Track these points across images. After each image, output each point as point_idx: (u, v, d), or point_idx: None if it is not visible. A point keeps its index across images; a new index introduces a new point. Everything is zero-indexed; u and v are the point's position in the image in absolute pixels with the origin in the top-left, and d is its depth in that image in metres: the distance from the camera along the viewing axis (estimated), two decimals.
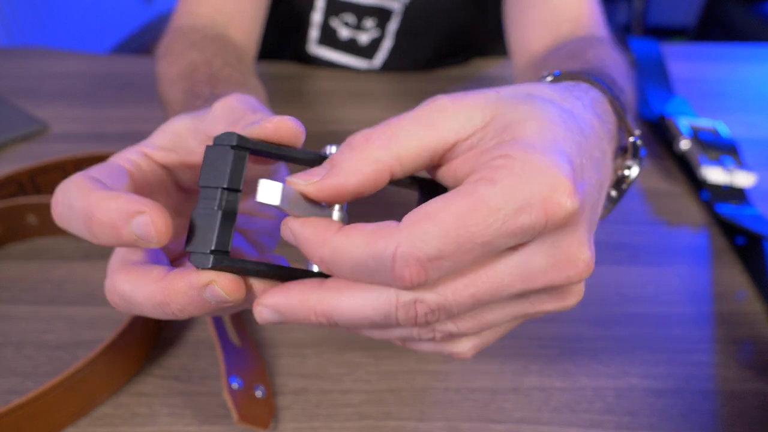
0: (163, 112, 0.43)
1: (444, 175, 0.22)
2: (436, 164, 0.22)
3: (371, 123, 0.62)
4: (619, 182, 0.29)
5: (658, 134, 0.61)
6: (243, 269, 0.21)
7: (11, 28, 1.41)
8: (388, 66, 0.73)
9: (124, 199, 0.20)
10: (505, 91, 0.22)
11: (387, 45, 0.72)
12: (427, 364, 0.37)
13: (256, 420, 0.32)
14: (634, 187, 0.53)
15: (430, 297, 0.19)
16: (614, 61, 0.39)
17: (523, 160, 0.18)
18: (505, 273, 0.19)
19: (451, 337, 0.22)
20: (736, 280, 0.44)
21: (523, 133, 0.20)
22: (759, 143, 0.60)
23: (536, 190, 0.18)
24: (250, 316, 0.40)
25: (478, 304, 0.20)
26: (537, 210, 0.18)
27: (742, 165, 0.52)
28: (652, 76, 0.67)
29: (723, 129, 0.56)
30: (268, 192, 0.20)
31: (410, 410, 0.34)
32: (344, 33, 0.72)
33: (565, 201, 0.18)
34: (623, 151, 0.28)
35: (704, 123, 0.58)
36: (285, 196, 0.20)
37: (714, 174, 0.51)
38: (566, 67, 0.34)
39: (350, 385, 0.36)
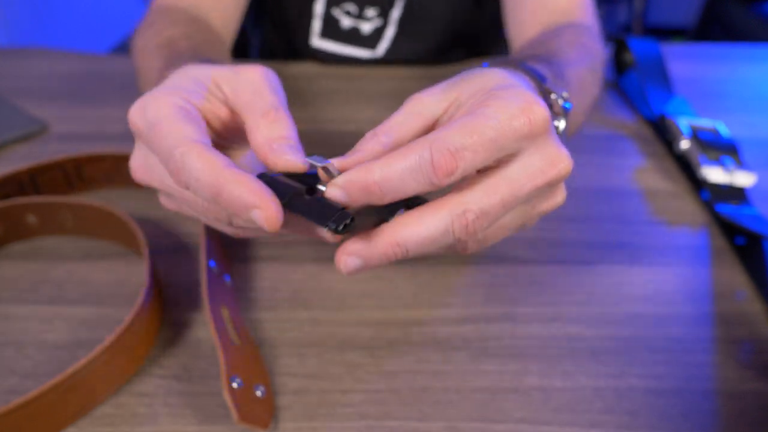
0: (138, 82, 0.44)
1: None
2: None
3: (370, 123, 0.62)
4: None
5: (658, 134, 0.61)
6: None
7: (11, 28, 1.41)
8: (391, 55, 0.74)
9: (248, 191, 0.24)
10: (461, 75, 0.29)
11: (390, 33, 0.73)
12: (427, 364, 0.37)
13: (256, 420, 0.32)
14: (634, 187, 0.54)
15: (474, 206, 0.25)
16: (578, 48, 0.45)
17: (502, 92, 0.25)
18: (516, 177, 0.25)
19: (478, 242, 0.28)
20: (736, 280, 0.44)
21: (493, 83, 0.27)
22: (759, 143, 0.60)
23: (517, 104, 0.25)
24: (249, 315, 0.40)
25: (505, 209, 0.26)
26: (522, 116, 0.24)
27: (742, 165, 0.52)
28: (652, 76, 0.67)
29: (723, 129, 0.56)
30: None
31: (410, 410, 0.34)
32: (346, 22, 0.72)
33: (538, 109, 0.25)
34: (549, 108, 0.32)
35: (704, 123, 0.58)
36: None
37: (714, 174, 0.51)
38: (529, 53, 0.41)
39: (350, 385, 0.36)
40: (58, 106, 0.64)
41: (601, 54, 0.49)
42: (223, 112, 0.30)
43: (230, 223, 0.29)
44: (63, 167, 0.48)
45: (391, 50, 0.73)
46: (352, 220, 0.25)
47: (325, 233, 0.26)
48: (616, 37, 0.74)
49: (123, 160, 0.49)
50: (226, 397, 0.31)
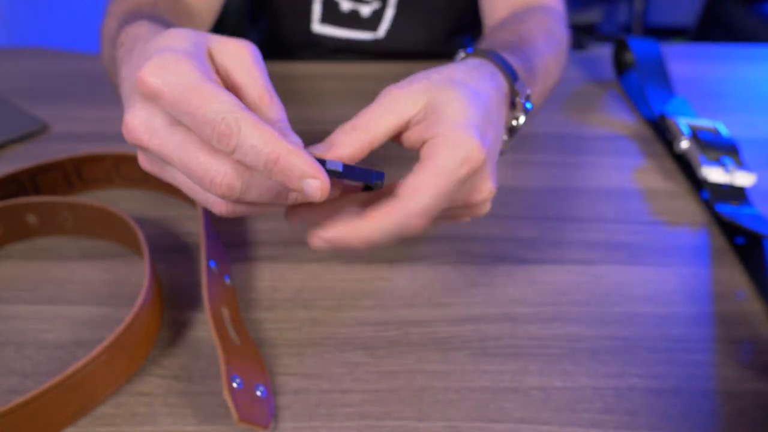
0: (102, 47, 0.44)
1: (403, 140, 0.33)
2: (396, 135, 0.33)
3: None
4: (512, 129, 0.40)
5: (658, 134, 0.61)
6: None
7: (11, 28, 1.41)
8: (393, 36, 0.74)
9: (305, 162, 0.26)
10: (434, 77, 0.33)
11: (389, 14, 0.73)
12: (427, 364, 0.37)
13: (256, 420, 0.32)
14: (634, 187, 0.54)
15: (418, 220, 0.30)
16: (545, 34, 0.49)
17: (447, 134, 0.30)
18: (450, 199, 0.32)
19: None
20: (736, 279, 0.44)
21: (451, 114, 0.31)
22: (759, 143, 0.60)
23: (464, 153, 0.30)
24: (249, 315, 0.40)
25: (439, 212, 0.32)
26: (467, 164, 0.30)
27: (742, 165, 0.52)
28: (652, 76, 0.67)
29: (723, 129, 0.56)
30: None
31: (410, 410, 0.34)
32: (345, 6, 0.72)
33: (479, 156, 0.30)
34: (513, 106, 0.38)
35: (704, 123, 0.58)
36: None
37: (714, 174, 0.51)
38: (500, 35, 0.45)
39: (350, 385, 0.36)
40: (58, 106, 0.64)
41: (566, 38, 0.54)
42: (218, 79, 0.30)
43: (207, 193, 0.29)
44: (63, 167, 0.48)
45: (391, 31, 0.74)
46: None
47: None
48: (616, 37, 0.74)
49: (123, 160, 0.49)
50: (227, 397, 0.31)
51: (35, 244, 0.46)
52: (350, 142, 0.30)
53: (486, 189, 0.33)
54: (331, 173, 0.28)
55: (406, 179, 0.30)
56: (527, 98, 0.39)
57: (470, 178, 0.31)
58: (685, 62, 0.76)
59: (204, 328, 0.39)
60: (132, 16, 0.39)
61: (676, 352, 0.38)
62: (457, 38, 0.77)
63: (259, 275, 0.43)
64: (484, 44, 0.43)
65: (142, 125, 0.27)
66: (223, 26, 0.89)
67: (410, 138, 0.33)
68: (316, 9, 0.74)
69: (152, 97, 0.26)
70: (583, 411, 0.35)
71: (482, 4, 0.65)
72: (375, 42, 0.75)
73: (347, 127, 0.31)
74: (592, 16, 2.70)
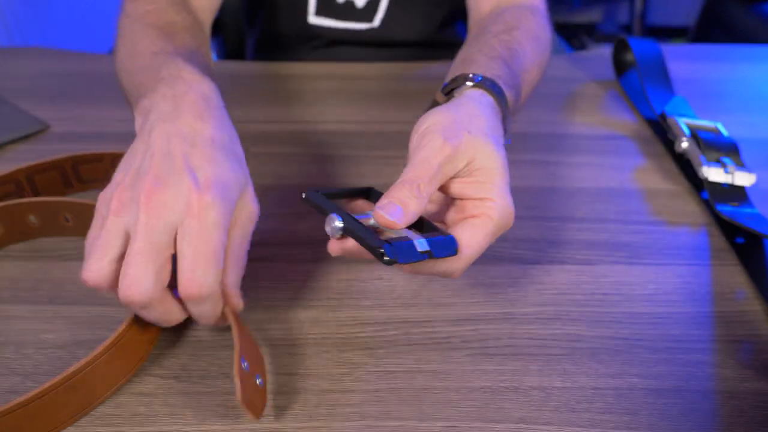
0: (123, 52, 0.45)
1: (445, 189, 0.36)
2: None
3: (368, 122, 0.62)
4: None
5: (659, 134, 0.61)
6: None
7: (11, 28, 1.41)
8: (388, 25, 0.74)
9: (231, 307, 0.34)
10: (473, 129, 0.35)
11: (384, 4, 0.73)
12: (427, 364, 0.37)
13: (253, 407, 0.32)
14: (634, 187, 0.54)
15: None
16: (532, 41, 0.51)
17: (499, 203, 0.34)
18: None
19: None
20: (736, 279, 0.44)
21: (497, 180, 0.35)
22: (759, 143, 0.60)
23: (506, 220, 0.35)
24: (249, 315, 0.40)
25: None
26: (506, 228, 0.35)
27: (742, 165, 0.52)
28: (652, 76, 0.67)
29: (723, 129, 0.56)
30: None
31: (410, 410, 0.34)
32: None
33: (512, 220, 0.36)
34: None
35: (704, 123, 0.58)
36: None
37: (714, 174, 0.51)
38: (494, 46, 0.47)
39: (350, 385, 0.36)
40: (58, 106, 0.64)
41: (550, 41, 0.56)
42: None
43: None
44: (61, 167, 0.48)
45: (386, 21, 0.74)
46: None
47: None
48: (616, 37, 0.74)
49: (120, 159, 0.49)
50: (236, 375, 0.31)
51: (35, 244, 0.46)
52: (416, 207, 0.32)
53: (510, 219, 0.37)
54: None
55: (460, 231, 0.34)
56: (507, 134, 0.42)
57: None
58: (685, 62, 0.76)
59: (204, 327, 0.39)
60: (168, 51, 0.42)
61: (676, 352, 0.38)
62: (452, 26, 0.77)
63: (259, 275, 0.43)
64: (480, 63, 0.43)
65: (169, 201, 0.31)
66: (222, 27, 0.89)
67: (452, 189, 0.36)
68: (311, 1, 0.74)
69: (190, 211, 0.31)
70: (583, 411, 0.35)
71: None
72: (370, 31, 0.75)
73: (414, 190, 0.33)
74: (592, 16, 2.70)
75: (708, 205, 0.51)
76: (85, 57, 0.75)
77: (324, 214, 0.33)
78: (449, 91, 0.41)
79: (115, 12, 0.56)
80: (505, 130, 0.41)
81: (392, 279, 0.43)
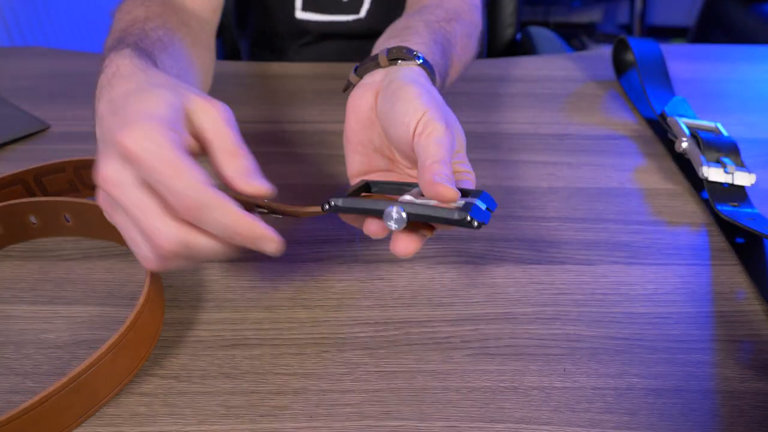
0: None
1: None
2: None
3: None
4: None
5: (659, 134, 0.61)
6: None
7: (11, 28, 1.41)
8: (374, 15, 0.75)
9: (261, 228, 0.30)
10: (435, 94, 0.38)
11: None
12: (427, 364, 0.37)
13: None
14: (634, 187, 0.54)
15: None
16: (465, 39, 0.53)
17: (429, 113, 0.35)
18: None
19: None
20: (736, 279, 0.44)
21: (433, 125, 0.35)
22: (759, 143, 0.60)
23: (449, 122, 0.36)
24: (249, 315, 0.40)
25: None
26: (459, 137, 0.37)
27: (742, 165, 0.52)
28: (652, 76, 0.67)
29: (723, 129, 0.56)
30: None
31: (410, 410, 0.34)
32: None
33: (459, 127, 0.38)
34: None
35: (704, 123, 0.58)
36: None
37: (714, 174, 0.51)
38: (436, 30, 0.47)
39: (350, 385, 0.36)
40: (58, 106, 0.64)
41: (479, 40, 0.58)
42: (191, 142, 0.33)
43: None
44: (65, 170, 0.48)
45: (372, 11, 0.75)
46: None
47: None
48: (616, 37, 0.74)
49: None
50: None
51: (35, 244, 0.46)
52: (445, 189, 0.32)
53: None
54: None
55: (422, 148, 0.34)
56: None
57: None
58: (685, 62, 0.76)
59: (205, 327, 0.39)
60: (119, 40, 0.42)
61: (676, 352, 0.38)
62: None
63: (259, 275, 0.43)
64: (424, 40, 0.44)
65: (113, 177, 0.30)
66: (220, 29, 0.89)
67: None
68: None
69: (129, 160, 0.29)
70: (583, 411, 0.35)
71: None
72: (357, 22, 0.76)
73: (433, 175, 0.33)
74: (592, 16, 2.70)
75: (708, 205, 0.51)
76: (85, 57, 0.75)
77: (370, 213, 0.33)
78: (394, 57, 0.41)
79: None
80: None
81: (392, 279, 0.43)
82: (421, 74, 0.39)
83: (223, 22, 0.88)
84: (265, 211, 0.35)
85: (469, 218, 0.31)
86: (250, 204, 0.34)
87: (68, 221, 0.45)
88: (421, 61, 0.40)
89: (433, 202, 0.32)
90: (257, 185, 0.32)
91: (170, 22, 0.47)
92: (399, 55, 0.40)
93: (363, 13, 0.76)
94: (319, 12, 0.77)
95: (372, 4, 0.75)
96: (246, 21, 0.87)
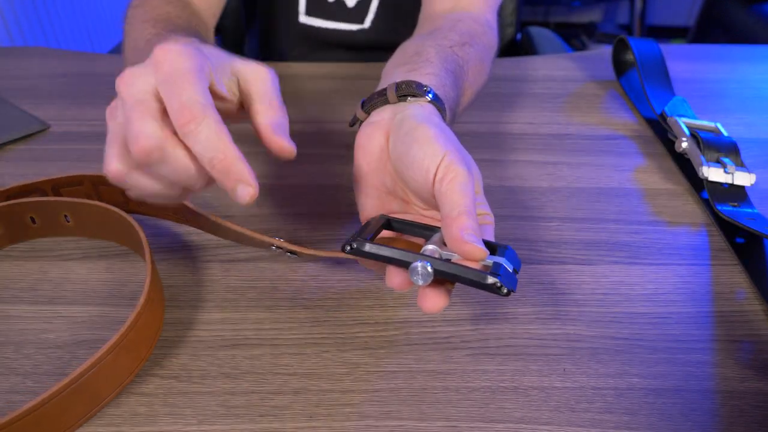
0: (124, 52, 0.46)
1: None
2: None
3: None
4: None
5: (659, 134, 0.61)
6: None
7: (11, 28, 1.41)
8: (378, 26, 0.75)
9: (245, 170, 0.29)
10: (453, 139, 0.35)
11: (374, 5, 0.73)
12: (427, 364, 0.37)
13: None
14: (634, 187, 0.54)
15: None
16: (479, 63, 0.50)
17: (450, 157, 0.33)
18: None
19: None
20: (736, 279, 0.44)
21: (428, 136, 0.34)
22: (759, 143, 0.60)
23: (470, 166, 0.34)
24: (249, 315, 0.40)
25: None
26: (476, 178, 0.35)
27: (742, 165, 0.52)
28: (652, 76, 0.67)
29: (723, 129, 0.56)
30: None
31: (410, 410, 0.34)
32: None
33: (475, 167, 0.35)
34: None
35: (704, 123, 0.58)
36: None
37: (714, 174, 0.51)
38: (447, 58, 0.45)
39: (350, 385, 0.36)
40: (58, 106, 0.64)
41: (491, 63, 0.55)
42: (230, 105, 0.34)
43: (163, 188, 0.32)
44: (83, 184, 0.48)
45: (376, 22, 0.74)
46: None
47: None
48: (616, 37, 0.74)
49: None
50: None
51: (35, 244, 0.46)
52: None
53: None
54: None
55: (444, 195, 0.32)
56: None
57: None
58: (685, 62, 0.76)
59: (204, 327, 0.39)
60: (166, 29, 0.44)
61: (676, 352, 0.38)
62: None
63: (259, 275, 0.43)
64: (435, 70, 0.43)
65: (130, 77, 0.31)
66: (221, 28, 0.90)
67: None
68: (301, 2, 0.75)
69: (153, 64, 0.30)
70: (583, 411, 0.35)
71: None
72: (361, 33, 0.76)
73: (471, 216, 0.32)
74: (592, 16, 2.70)
75: (708, 205, 0.51)
76: (85, 57, 0.75)
77: (394, 263, 0.32)
78: (403, 94, 0.39)
79: (116, 12, 0.56)
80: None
81: None
82: (432, 112, 0.38)
83: (223, 23, 0.88)
84: (283, 249, 0.35)
85: (499, 284, 0.29)
86: (266, 243, 0.35)
87: (68, 221, 0.45)
88: (431, 97, 0.39)
89: (458, 257, 0.32)
90: (282, 142, 0.33)
91: (199, 25, 0.49)
92: (408, 91, 0.39)
93: (367, 23, 0.75)
94: (323, 17, 0.76)
95: (377, 15, 0.74)
96: (253, 20, 0.87)
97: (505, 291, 0.29)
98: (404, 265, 0.31)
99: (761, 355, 0.38)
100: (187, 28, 0.45)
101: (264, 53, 0.86)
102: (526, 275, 0.44)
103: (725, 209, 0.49)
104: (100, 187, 0.46)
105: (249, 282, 0.43)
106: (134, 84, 0.30)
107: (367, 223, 0.36)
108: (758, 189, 0.53)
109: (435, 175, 0.33)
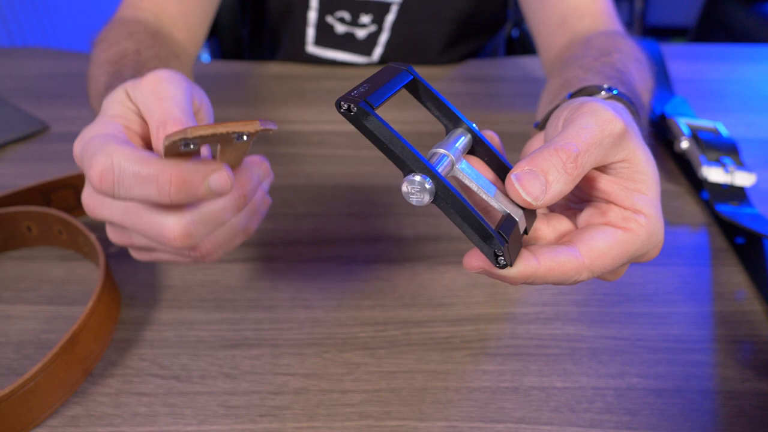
0: (88, 92, 0.45)
1: (589, 178, 0.29)
2: None
3: None
4: None
5: (659, 134, 0.61)
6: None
7: (11, 28, 1.41)
8: (386, 59, 0.74)
9: (201, 162, 0.26)
10: (630, 123, 0.28)
11: (384, 38, 0.73)
12: (427, 364, 0.37)
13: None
14: None
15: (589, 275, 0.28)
16: (635, 63, 0.44)
17: (653, 223, 0.27)
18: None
19: None
20: (736, 279, 0.44)
21: (649, 191, 0.28)
22: (759, 143, 0.60)
23: (651, 246, 0.28)
24: (249, 315, 0.40)
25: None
26: (645, 256, 0.29)
27: (742, 165, 0.52)
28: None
29: (723, 129, 0.56)
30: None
31: (410, 410, 0.34)
32: (340, 28, 0.72)
33: (657, 250, 0.29)
34: None
35: (704, 123, 0.58)
36: None
37: (714, 174, 0.51)
38: (600, 68, 0.40)
39: (350, 385, 0.36)
40: (58, 106, 0.64)
41: (650, 66, 0.47)
42: (137, 124, 0.32)
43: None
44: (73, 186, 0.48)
45: (385, 56, 0.73)
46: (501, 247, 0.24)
47: None
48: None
49: None
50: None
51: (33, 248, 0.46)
52: (564, 188, 0.25)
53: (624, 270, 0.31)
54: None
55: (591, 237, 0.27)
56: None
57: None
58: (685, 62, 0.76)
59: (204, 327, 0.39)
60: (115, 78, 0.40)
61: (676, 352, 0.38)
62: (448, 53, 0.77)
63: (259, 275, 0.43)
64: (597, 78, 0.38)
65: (91, 201, 0.30)
66: (218, 29, 0.89)
67: (599, 183, 0.28)
68: (310, 32, 0.74)
69: (97, 188, 0.28)
70: (583, 411, 0.35)
71: (533, 23, 0.59)
72: (369, 67, 0.75)
73: (567, 162, 0.25)
74: None
75: (708, 205, 0.51)
76: (85, 57, 0.75)
77: (393, 158, 0.24)
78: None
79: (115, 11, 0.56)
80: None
81: (392, 279, 0.43)
82: (617, 106, 0.31)
83: (223, 23, 0.88)
84: (196, 145, 0.25)
85: (500, 252, 0.24)
86: (176, 146, 0.25)
87: (61, 234, 0.44)
88: (613, 92, 0.34)
89: (477, 188, 0.25)
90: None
91: (163, 54, 0.46)
92: (583, 93, 0.35)
93: (375, 57, 0.74)
94: (332, 48, 0.75)
95: (386, 49, 0.73)
96: (259, 45, 0.86)
97: (502, 263, 0.24)
98: (402, 167, 0.24)
99: (761, 355, 0.38)
100: (136, 66, 0.42)
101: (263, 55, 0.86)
102: None
103: (725, 209, 0.49)
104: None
105: (249, 282, 0.43)
106: (104, 205, 0.30)
107: (386, 76, 0.27)
108: (758, 189, 0.53)
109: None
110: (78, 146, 0.29)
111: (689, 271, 0.45)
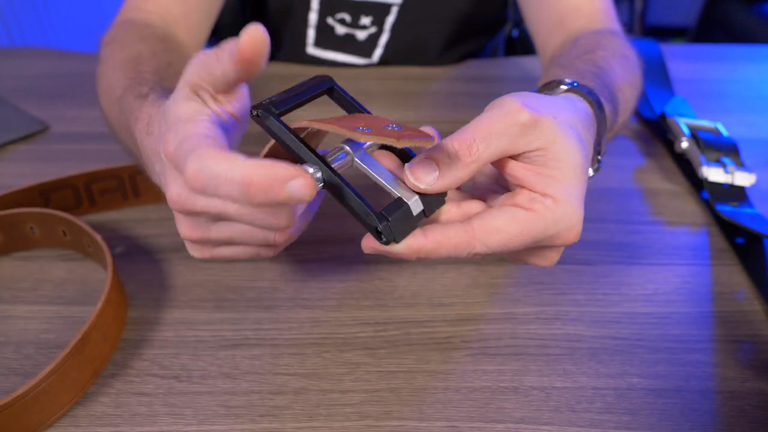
0: (98, 90, 0.44)
1: (502, 166, 0.30)
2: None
3: None
4: None
5: (658, 134, 0.61)
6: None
7: (11, 28, 1.41)
8: (386, 61, 0.74)
9: (282, 167, 0.25)
10: (560, 116, 0.30)
11: (384, 40, 0.73)
12: (427, 364, 0.37)
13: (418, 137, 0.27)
14: (634, 187, 0.54)
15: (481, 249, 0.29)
16: (621, 59, 0.45)
17: (561, 207, 0.28)
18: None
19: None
20: (736, 279, 0.44)
21: (564, 178, 0.29)
22: (759, 143, 0.60)
23: (561, 230, 0.29)
24: (249, 315, 0.40)
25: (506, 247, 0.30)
26: (559, 241, 0.30)
27: (742, 165, 0.52)
28: (652, 76, 0.67)
29: (723, 129, 0.56)
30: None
31: (410, 410, 0.34)
32: (340, 30, 0.72)
33: (572, 235, 0.29)
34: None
35: (704, 123, 0.58)
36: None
37: (714, 174, 0.51)
38: (578, 65, 0.41)
39: (350, 385, 0.36)
40: (58, 106, 0.64)
41: (638, 59, 0.49)
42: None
43: (266, 239, 0.30)
44: (73, 186, 0.48)
45: (384, 57, 0.73)
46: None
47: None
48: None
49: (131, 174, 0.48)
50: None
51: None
52: (461, 174, 0.28)
53: (555, 257, 0.32)
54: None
55: (489, 214, 0.29)
56: (599, 161, 0.40)
57: (549, 246, 0.31)
58: (685, 62, 0.76)
59: (204, 327, 0.39)
60: (136, 81, 0.40)
61: (676, 352, 0.38)
62: (449, 54, 0.76)
63: (259, 275, 0.43)
64: (570, 75, 0.39)
65: (185, 196, 0.28)
66: (220, 30, 0.89)
67: (511, 170, 0.30)
68: (310, 34, 0.74)
69: (174, 165, 0.28)
70: (583, 411, 0.35)
71: (531, 23, 0.61)
72: (369, 68, 0.75)
73: (463, 148, 0.28)
74: None
75: (708, 205, 0.51)
76: (85, 57, 0.75)
77: (294, 154, 0.28)
78: None
79: (115, 11, 0.56)
80: (597, 152, 0.37)
81: (392, 279, 0.43)
82: (567, 98, 0.34)
83: (224, 23, 0.88)
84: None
85: (379, 230, 0.27)
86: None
87: (65, 235, 0.44)
88: (567, 87, 0.36)
89: (373, 176, 0.28)
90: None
91: (176, 60, 0.46)
92: (545, 88, 0.36)
93: (376, 58, 0.74)
94: (332, 49, 0.75)
95: (386, 50, 0.73)
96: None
97: (384, 240, 0.27)
98: (299, 160, 0.28)
99: (761, 355, 0.38)
100: (156, 71, 0.42)
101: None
102: (526, 275, 0.44)
103: (725, 209, 0.49)
104: (92, 186, 0.46)
105: (249, 282, 0.43)
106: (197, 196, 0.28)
107: (305, 86, 0.32)
108: (758, 189, 0.53)
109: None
110: (171, 145, 0.27)
111: (689, 271, 0.45)
